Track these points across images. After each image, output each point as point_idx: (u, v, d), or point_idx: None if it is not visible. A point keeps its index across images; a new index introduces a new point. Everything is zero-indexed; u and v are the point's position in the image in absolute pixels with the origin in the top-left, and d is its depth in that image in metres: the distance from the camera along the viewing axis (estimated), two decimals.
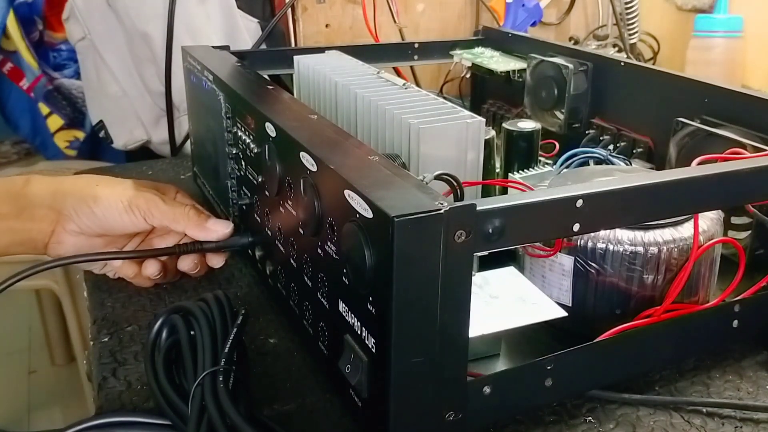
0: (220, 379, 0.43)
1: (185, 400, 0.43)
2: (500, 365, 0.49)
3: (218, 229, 0.59)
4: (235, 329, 0.47)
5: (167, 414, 0.44)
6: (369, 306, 0.38)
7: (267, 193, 0.54)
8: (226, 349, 0.45)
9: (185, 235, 0.60)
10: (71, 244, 0.58)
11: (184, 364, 0.46)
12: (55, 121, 1.69)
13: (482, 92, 0.96)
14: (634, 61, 0.80)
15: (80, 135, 1.69)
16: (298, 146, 0.46)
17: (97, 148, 1.69)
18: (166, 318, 0.49)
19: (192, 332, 0.48)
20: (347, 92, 0.63)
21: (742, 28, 1.03)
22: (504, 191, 0.60)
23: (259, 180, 0.55)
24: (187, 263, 0.60)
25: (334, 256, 0.42)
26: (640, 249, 0.48)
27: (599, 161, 0.63)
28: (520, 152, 0.64)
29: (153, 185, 0.63)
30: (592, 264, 0.49)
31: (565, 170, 0.61)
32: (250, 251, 0.61)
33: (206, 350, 0.45)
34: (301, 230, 0.48)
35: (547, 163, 0.67)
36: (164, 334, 0.49)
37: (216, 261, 0.62)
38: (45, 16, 1.66)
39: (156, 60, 1.03)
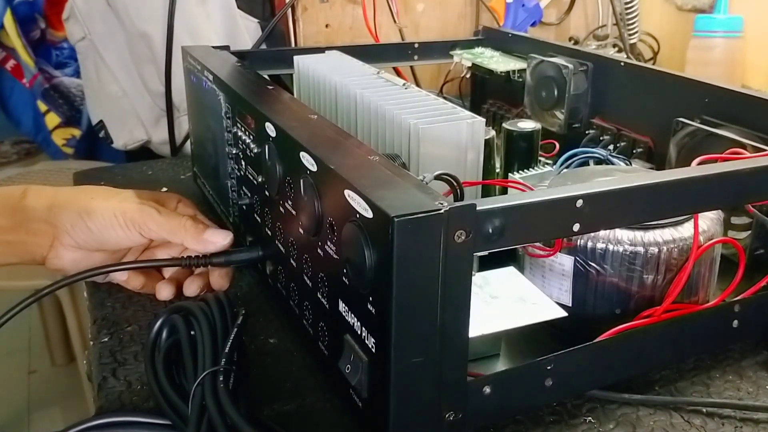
0: (221, 379, 0.43)
1: (185, 400, 0.43)
2: (500, 365, 0.49)
3: (216, 240, 0.57)
4: (235, 329, 0.47)
5: (167, 414, 0.44)
6: (369, 306, 0.38)
7: (267, 193, 0.54)
8: (227, 349, 0.45)
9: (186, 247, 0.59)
10: (69, 258, 0.57)
11: (185, 364, 0.46)
12: (52, 119, 1.69)
13: (482, 92, 0.96)
14: (634, 61, 0.80)
15: (77, 133, 1.70)
16: (298, 146, 0.46)
17: (94, 147, 1.70)
18: (166, 318, 0.49)
19: (192, 332, 0.48)
20: (347, 92, 0.63)
21: (742, 28, 1.03)
22: (504, 191, 0.60)
23: (259, 180, 0.55)
24: (192, 289, 0.59)
25: (334, 256, 0.42)
26: (640, 249, 0.48)
27: (599, 161, 0.63)
28: (520, 152, 0.64)
29: (153, 195, 0.62)
30: (592, 264, 0.49)
31: (565, 170, 0.61)
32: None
33: (206, 350, 0.45)
34: (301, 230, 0.48)
35: (547, 163, 0.67)
36: (164, 334, 0.49)
37: (219, 283, 0.59)
38: (47, 15, 1.66)
39: (156, 60, 1.03)
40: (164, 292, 0.59)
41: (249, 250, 0.59)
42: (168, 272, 0.62)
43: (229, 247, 0.58)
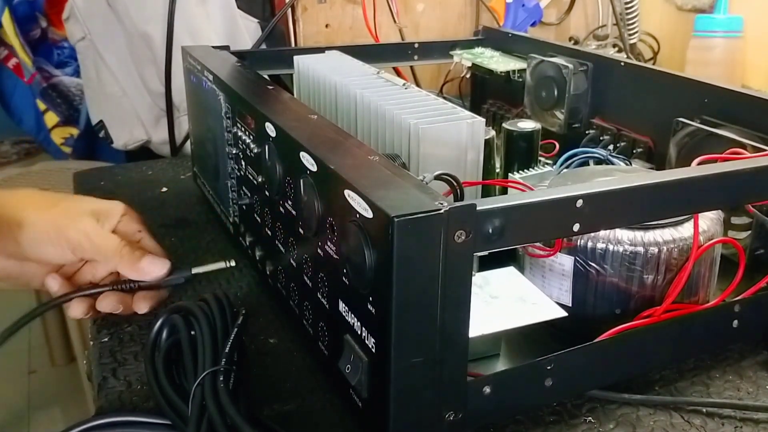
0: (221, 379, 0.43)
1: (185, 400, 0.43)
2: (500, 365, 0.49)
3: (152, 270, 0.54)
4: (235, 329, 0.47)
5: (167, 414, 0.44)
6: (369, 306, 0.38)
7: (267, 193, 0.54)
8: (227, 349, 0.45)
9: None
10: (1, 267, 0.54)
11: (185, 364, 0.46)
12: (51, 118, 1.69)
13: (482, 92, 0.96)
14: (634, 61, 0.80)
15: (75, 132, 1.69)
16: (298, 146, 0.46)
17: (93, 146, 1.69)
18: (166, 318, 0.49)
19: (192, 332, 0.48)
20: (347, 92, 0.63)
21: (742, 28, 1.03)
22: (504, 191, 0.60)
23: (259, 180, 0.55)
24: (106, 304, 0.54)
25: (334, 256, 0.42)
26: (640, 249, 0.48)
27: (599, 161, 0.63)
28: (520, 152, 0.64)
29: (95, 206, 0.56)
30: (592, 264, 0.49)
31: (565, 170, 0.61)
32: (250, 252, 0.60)
33: (207, 350, 0.45)
34: (301, 230, 0.48)
35: (547, 163, 0.67)
36: (164, 334, 0.49)
37: (142, 306, 0.54)
38: (47, 14, 1.66)
39: (156, 60, 1.03)
40: (107, 305, 0.54)
41: (179, 271, 0.56)
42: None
43: (166, 276, 0.55)
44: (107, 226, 0.55)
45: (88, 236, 0.53)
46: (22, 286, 0.57)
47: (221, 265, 0.58)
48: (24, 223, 0.52)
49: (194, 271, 0.57)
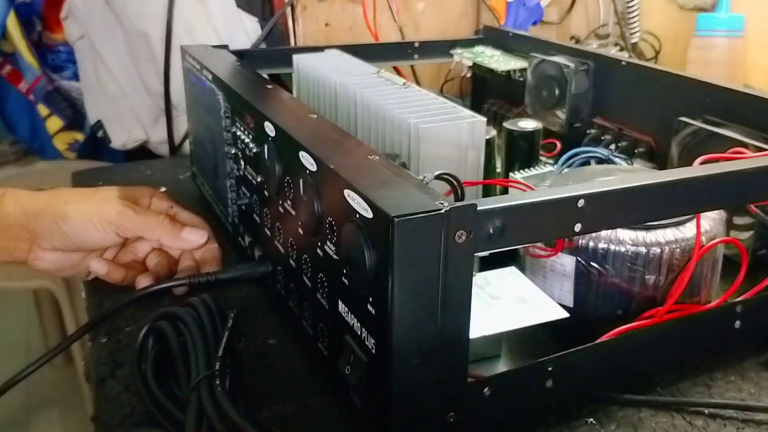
0: (217, 382, 0.43)
1: (179, 407, 0.43)
2: (501, 366, 0.48)
3: (193, 238, 0.61)
4: (227, 332, 0.47)
5: (161, 423, 0.43)
6: (369, 306, 0.38)
7: (266, 193, 0.53)
8: (220, 352, 0.45)
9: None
10: (49, 260, 0.58)
11: (176, 370, 0.45)
12: (54, 123, 1.68)
13: (483, 92, 0.96)
14: (636, 61, 0.80)
15: (80, 137, 1.69)
16: (297, 146, 0.45)
17: (96, 150, 1.69)
18: (151, 325, 0.49)
19: (181, 338, 0.47)
20: (347, 92, 0.63)
21: (744, 28, 1.03)
22: (505, 191, 0.59)
23: (259, 180, 0.55)
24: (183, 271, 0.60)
25: (334, 256, 0.42)
26: (642, 249, 0.48)
27: (601, 161, 0.63)
28: (521, 152, 0.64)
29: (126, 192, 0.61)
30: (594, 264, 0.49)
31: (566, 170, 0.61)
32: (249, 252, 0.60)
33: (199, 355, 0.45)
34: (300, 230, 0.47)
35: (548, 163, 0.67)
36: (151, 342, 0.48)
37: (207, 258, 0.62)
38: (43, 17, 1.65)
39: (155, 59, 1.03)
40: (143, 282, 0.59)
41: (257, 264, 0.58)
42: (150, 263, 0.62)
43: (204, 243, 0.61)
44: (143, 205, 0.62)
45: (128, 217, 0.58)
46: (70, 275, 0.62)
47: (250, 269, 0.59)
48: (68, 215, 0.57)
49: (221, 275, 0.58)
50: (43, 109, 1.68)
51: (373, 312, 0.38)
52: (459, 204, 0.36)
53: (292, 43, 1.02)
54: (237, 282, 0.59)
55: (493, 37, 0.92)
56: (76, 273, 0.61)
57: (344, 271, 0.41)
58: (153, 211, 0.61)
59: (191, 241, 0.61)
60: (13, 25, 1.62)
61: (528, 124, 0.64)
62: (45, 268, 0.59)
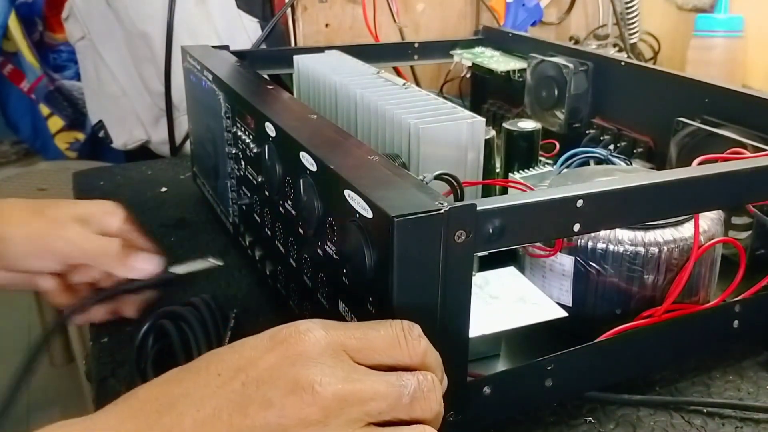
0: None
1: None
2: (500, 366, 0.48)
3: (143, 266, 0.53)
4: (229, 332, 0.47)
5: None
6: (369, 306, 0.38)
7: (267, 193, 0.54)
8: None
9: None
10: None
11: None
12: (55, 123, 1.69)
13: (482, 92, 0.96)
14: (635, 61, 0.80)
15: (80, 136, 1.69)
16: (298, 146, 0.45)
17: (97, 150, 1.69)
18: (152, 324, 0.49)
19: (184, 337, 0.47)
20: (347, 92, 0.63)
21: (743, 28, 1.03)
22: (504, 191, 0.59)
23: (259, 180, 0.55)
24: (100, 313, 0.55)
25: (334, 256, 0.42)
26: (641, 249, 0.48)
27: (600, 161, 0.63)
28: (521, 152, 0.64)
29: (78, 213, 0.55)
30: (593, 264, 0.49)
31: (565, 170, 0.61)
32: (250, 252, 0.60)
33: (202, 353, 0.45)
34: (301, 230, 0.47)
35: (548, 163, 0.67)
36: (151, 341, 0.48)
37: (130, 310, 0.55)
38: (45, 17, 1.65)
39: (155, 59, 1.03)
40: (99, 315, 0.55)
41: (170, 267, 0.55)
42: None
43: (157, 273, 0.54)
44: (93, 228, 0.54)
45: (74, 243, 0.53)
46: (19, 290, 0.57)
47: (205, 264, 0.56)
48: (6, 237, 0.52)
49: (174, 270, 0.55)
50: (44, 109, 1.68)
51: (373, 311, 0.38)
52: (458, 204, 0.36)
53: (293, 44, 1.02)
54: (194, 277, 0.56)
55: (492, 38, 0.93)
56: (31, 288, 0.56)
57: (344, 270, 0.41)
58: (100, 238, 0.53)
59: (140, 269, 0.53)
60: (14, 25, 1.62)
61: (527, 125, 0.64)
62: None
